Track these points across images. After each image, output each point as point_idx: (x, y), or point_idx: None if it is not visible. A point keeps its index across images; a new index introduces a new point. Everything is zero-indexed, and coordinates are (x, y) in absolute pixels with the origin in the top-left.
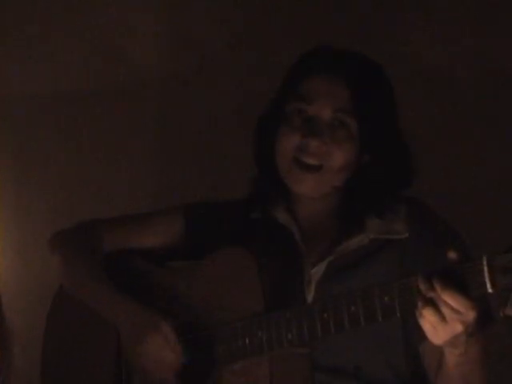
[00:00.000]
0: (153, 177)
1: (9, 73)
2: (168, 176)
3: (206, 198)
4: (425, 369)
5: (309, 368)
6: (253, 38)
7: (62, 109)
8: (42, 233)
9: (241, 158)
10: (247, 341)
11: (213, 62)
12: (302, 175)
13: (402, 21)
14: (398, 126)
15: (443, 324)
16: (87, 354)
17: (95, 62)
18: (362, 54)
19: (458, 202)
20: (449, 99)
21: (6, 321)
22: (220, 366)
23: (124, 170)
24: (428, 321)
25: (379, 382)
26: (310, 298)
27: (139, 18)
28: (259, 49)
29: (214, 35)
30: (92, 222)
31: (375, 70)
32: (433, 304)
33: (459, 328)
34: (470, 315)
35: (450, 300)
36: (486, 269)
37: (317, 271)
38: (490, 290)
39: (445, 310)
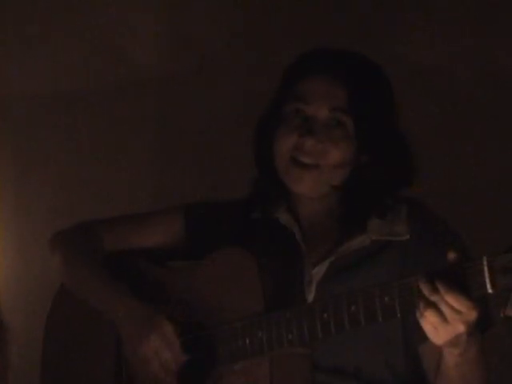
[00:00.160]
0: (153, 177)
1: (9, 73)
2: (168, 176)
3: (205, 198)
4: (424, 370)
5: (309, 368)
6: (253, 38)
7: (61, 109)
8: (42, 233)
9: (241, 158)
10: (247, 341)
11: (213, 62)
12: (299, 174)
13: (402, 21)
14: (397, 126)
15: (445, 324)
16: (87, 354)
17: (95, 62)
18: (360, 53)
19: (457, 201)
20: (449, 99)
21: (2, 320)
22: (220, 365)
23: (124, 170)
24: (429, 321)
25: (379, 382)
26: (310, 298)
27: (139, 18)
28: (259, 49)
29: (214, 35)
30: (92, 222)
31: (372, 69)
32: (434, 305)
33: (461, 328)
34: (472, 315)
35: (453, 301)
36: (486, 269)
37: (318, 271)
38: (490, 291)
39: (446, 311)
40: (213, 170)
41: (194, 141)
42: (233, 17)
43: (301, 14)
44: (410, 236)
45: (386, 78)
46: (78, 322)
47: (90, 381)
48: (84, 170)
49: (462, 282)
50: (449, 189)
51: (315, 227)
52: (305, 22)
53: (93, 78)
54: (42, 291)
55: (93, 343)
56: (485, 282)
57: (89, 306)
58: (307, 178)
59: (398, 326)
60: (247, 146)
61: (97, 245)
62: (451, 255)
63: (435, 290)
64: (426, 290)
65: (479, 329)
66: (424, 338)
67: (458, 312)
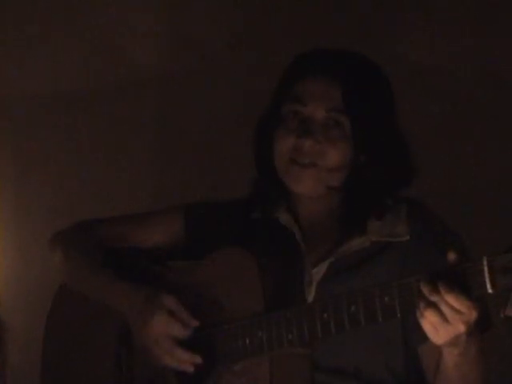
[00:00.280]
0: (153, 177)
1: (9, 73)
2: (168, 176)
3: (206, 197)
4: (423, 370)
5: (309, 368)
6: (253, 38)
7: (61, 109)
8: (42, 233)
9: (241, 158)
10: (247, 341)
11: (213, 62)
12: (298, 173)
13: (402, 21)
14: (396, 126)
15: (445, 324)
16: (87, 354)
17: (95, 62)
18: (358, 53)
19: (458, 201)
20: (449, 99)
21: (0, 319)
22: (220, 365)
23: (124, 170)
24: (429, 321)
25: (379, 382)
26: (310, 298)
27: (139, 18)
28: (259, 49)
29: (214, 35)
30: (92, 221)
31: (369, 69)
32: (434, 305)
33: (461, 328)
34: (472, 315)
35: (453, 301)
36: (486, 269)
37: (318, 272)
38: (490, 291)
39: (446, 311)
40: (213, 170)
41: (194, 141)
42: (233, 17)
43: (301, 13)
44: (410, 236)
45: (384, 77)
46: (77, 322)
47: (89, 381)
48: (84, 170)
49: (462, 282)
50: (449, 189)
51: (315, 227)
52: (305, 22)
53: (93, 78)
54: (42, 291)
55: (93, 343)
56: (485, 282)
57: (89, 306)
58: (306, 177)
59: (398, 327)
60: (247, 146)
61: (97, 244)
62: (451, 255)
63: (435, 290)
64: (426, 290)
65: (479, 329)
66: (424, 338)
67: (458, 312)
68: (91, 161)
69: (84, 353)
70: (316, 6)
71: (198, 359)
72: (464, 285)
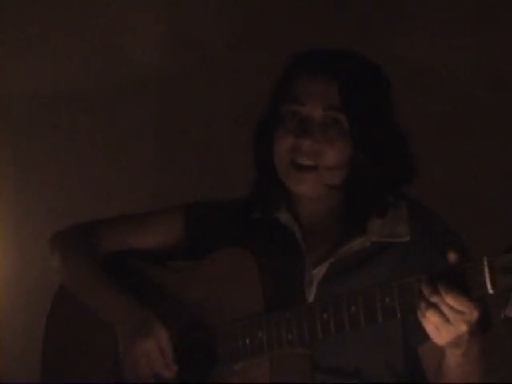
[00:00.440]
0: (153, 177)
1: (9, 73)
2: (168, 176)
3: (206, 197)
4: (424, 370)
5: (309, 368)
6: (253, 38)
7: (61, 109)
8: (42, 233)
9: (241, 158)
10: (247, 341)
11: (213, 62)
12: (299, 176)
13: (402, 21)
14: (394, 125)
15: (446, 325)
16: (87, 354)
17: (95, 62)
18: (357, 53)
19: (457, 201)
20: (449, 99)
21: None
22: (220, 365)
23: (124, 170)
24: (431, 321)
25: (379, 382)
26: (311, 298)
27: (139, 18)
28: (259, 49)
29: (214, 35)
30: (91, 222)
31: (365, 67)
32: (435, 306)
33: (463, 328)
34: (474, 315)
35: (453, 302)
36: (486, 269)
37: (318, 272)
38: (490, 291)
39: (447, 311)
40: (213, 170)
41: (194, 141)
42: (233, 17)
43: (301, 13)
44: (411, 236)
45: (383, 77)
46: (77, 322)
47: (89, 380)
48: (84, 170)
49: (462, 283)
50: (449, 189)
51: (315, 227)
52: (305, 22)
53: (93, 78)
54: (42, 291)
55: (93, 343)
56: (485, 282)
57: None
58: (307, 179)
59: (398, 326)
60: (247, 146)
61: (97, 245)
62: (451, 256)
63: (435, 291)
64: (426, 292)
65: (480, 328)
66: (424, 338)
67: (459, 312)
68: (91, 161)
69: (84, 353)
70: (316, 6)
71: None
72: (464, 285)
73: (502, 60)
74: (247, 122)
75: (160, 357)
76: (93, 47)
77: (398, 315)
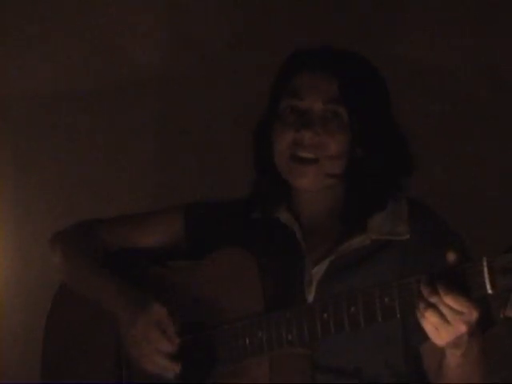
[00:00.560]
0: (153, 177)
1: (9, 73)
2: (168, 176)
3: (205, 197)
4: (424, 370)
5: (309, 368)
6: (253, 38)
7: (61, 109)
8: (42, 233)
9: (241, 158)
10: (247, 341)
11: (213, 62)
12: (301, 169)
13: (402, 21)
14: (393, 121)
15: (446, 325)
16: (87, 354)
17: (95, 62)
18: (355, 52)
19: (457, 201)
20: (449, 99)
21: None
22: (220, 366)
23: (124, 170)
24: (430, 322)
25: (379, 382)
26: (310, 297)
27: (139, 18)
28: (259, 49)
29: (214, 35)
30: (92, 221)
31: (363, 63)
32: (434, 306)
33: (462, 328)
34: (473, 315)
35: (452, 302)
36: (485, 270)
37: (318, 271)
38: (489, 291)
39: (446, 312)
40: (213, 170)
41: (194, 141)
42: (233, 17)
43: (301, 13)
44: (411, 235)
45: (380, 77)
46: (77, 322)
47: (90, 380)
48: (84, 170)
49: (461, 283)
50: (449, 189)
51: (315, 226)
52: (305, 22)
53: (93, 78)
54: (42, 291)
55: (93, 343)
56: (484, 282)
57: (89, 306)
58: (309, 171)
59: (398, 326)
60: (247, 146)
61: (97, 244)
62: (451, 255)
63: (434, 292)
64: (425, 292)
65: (480, 329)
66: (424, 337)
67: (458, 313)
68: (91, 161)
69: (84, 353)
70: (316, 6)
71: (177, 368)
72: (464, 285)
73: (502, 60)
74: (247, 121)
75: (160, 331)
76: (93, 47)
77: (398, 315)
